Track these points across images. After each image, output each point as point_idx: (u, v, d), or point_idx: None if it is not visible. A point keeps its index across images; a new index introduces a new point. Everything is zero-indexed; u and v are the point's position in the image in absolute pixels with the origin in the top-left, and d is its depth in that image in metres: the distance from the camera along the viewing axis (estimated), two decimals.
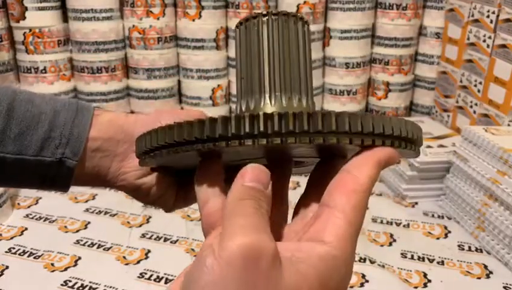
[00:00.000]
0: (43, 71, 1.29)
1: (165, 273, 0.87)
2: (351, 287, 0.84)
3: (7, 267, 0.88)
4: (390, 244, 0.96)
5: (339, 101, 1.43)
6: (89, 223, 1.02)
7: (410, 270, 0.88)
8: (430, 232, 1.00)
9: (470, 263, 0.90)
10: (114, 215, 1.05)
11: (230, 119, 0.27)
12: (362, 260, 0.90)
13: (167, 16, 1.31)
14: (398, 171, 1.12)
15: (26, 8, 1.23)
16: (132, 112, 1.40)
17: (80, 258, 0.91)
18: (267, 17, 0.35)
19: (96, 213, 1.06)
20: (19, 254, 0.92)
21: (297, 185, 1.06)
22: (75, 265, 0.89)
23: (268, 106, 0.33)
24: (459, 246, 0.96)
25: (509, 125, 1.08)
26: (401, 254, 0.93)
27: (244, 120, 0.27)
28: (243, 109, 0.34)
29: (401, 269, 0.88)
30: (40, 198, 1.11)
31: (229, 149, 0.28)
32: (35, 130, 0.42)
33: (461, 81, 1.27)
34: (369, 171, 0.28)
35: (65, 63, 1.32)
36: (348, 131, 0.27)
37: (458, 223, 1.03)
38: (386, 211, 1.08)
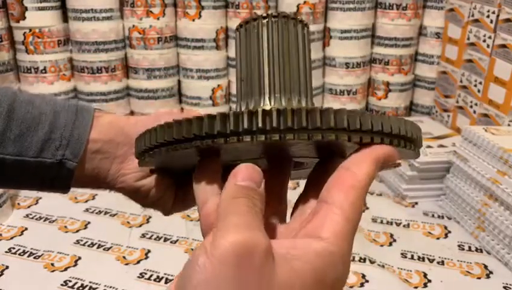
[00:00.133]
0: (43, 71, 1.29)
1: (165, 273, 0.87)
2: (351, 287, 0.84)
3: (7, 267, 0.88)
4: (390, 244, 0.96)
5: (339, 101, 1.43)
6: (89, 223, 1.02)
7: (410, 270, 0.88)
8: (430, 232, 1.00)
9: (470, 263, 0.90)
10: (114, 215, 1.05)
11: (229, 116, 0.27)
12: (362, 260, 0.90)
13: (167, 16, 1.31)
14: (398, 171, 1.12)
15: (26, 8, 1.23)
16: (132, 112, 1.40)
17: (80, 258, 0.91)
18: (267, 20, 0.36)
19: (96, 213, 1.06)
20: (19, 254, 0.92)
21: (297, 184, 1.06)
22: (75, 265, 0.89)
23: (268, 107, 0.33)
24: (459, 246, 0.96)
25: (509, 125, 1.08)
26: (401, 254, 0.93)
27: (242, 116, 0.27)
28: (243, 110, 0.34)
29: (401, 269, 0.88)
30: (40, 198, 1.11)
31: (227, 146, 0.28)
32: (36, 132, 0.42)
33: (461, 81, 1.27)
34: (368, 168, 0.28)
35: (65, 63, 1.32)
36: (346, 128, 0.27)
37: (458, 223, 1.03)
38: (386, 211, 1.08)
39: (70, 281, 0.84)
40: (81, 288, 0.83)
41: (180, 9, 1.32)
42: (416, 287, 0.84)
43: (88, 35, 1.28)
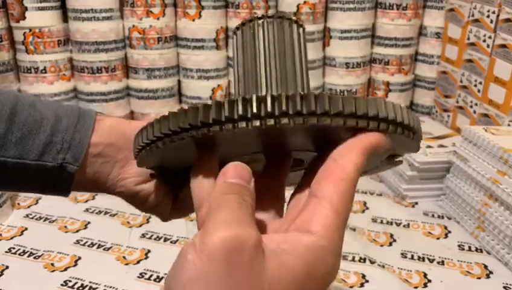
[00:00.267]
0: (43, 71, 1.29)
1: (165, 274, 0.87)
2: (351, 287, 0.84)
3: (7, 267, 0.88)
4: (390, 244, 0.96)
5: None
6: (89, 223, 1.03)
7: (410, 271, 0.88)
8: (430, 232, 1.00)
9: (470, 263, 0.90)
10: (114, 215, 1.05)
11: (224, 103, 0.27)
12: (362, 260, 0.90)
13: (167, 16, 1.31)
14: (398, 171, 1.12)
15: (26, 8, 1.23)
16: (132, 112, 1.40)
17: (80, 258, 0.91)
18: (262, 20, 0.36)
19: (96, 213, 1.06)
20: (19, 254, 0.92)
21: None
22: (75, 265, 0.89)
23: None
24: (459, 246, 0.96)
25: (509, 125, 1.08)
26: (401, 254, 0.93)
27: (237, 103, 0.27)
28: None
29: (401, 269, 0.88)
30: (40, 198, 1.11)
31: (224, 137, 0.28)
32: (37, 135, 0.42)
33: (461, 81, 1.27)
34: (356, 159, 0.28)
35: (65, 63, 1.32)
36: (341, 112, 0.27)
37: (458, 223, 1.03)
38: (386, 211, 1.08)
39: (70, 281, 0.84)
40: (81, 288, 0.83)
41: (180, 9, 1.32)
42: (416, 287, 0.84)
43: (88, 35, 1.28)
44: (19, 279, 0.86)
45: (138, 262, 0.90)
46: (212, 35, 1.33)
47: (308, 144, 0.32)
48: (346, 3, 1.33)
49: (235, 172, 0.28)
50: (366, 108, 0.27)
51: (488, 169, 0.93)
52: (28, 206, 1.08)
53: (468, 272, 0.88)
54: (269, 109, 0.27)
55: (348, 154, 0.28)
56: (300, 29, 0.37)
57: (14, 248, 0.93)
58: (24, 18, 1.24)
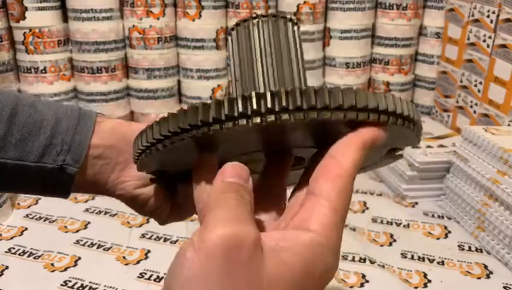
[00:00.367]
0: (43, 71, 1.29)
1: (165, 274, 0.86)
2: (351, 287, 0.84)
3: (7, 267, 0.88)
4: (391, 244, 0.96)
5: None
6: (89, 223, 1.03)
7: (410, 271, 0.88)
8: (430, 232, 1.00)
9: (470, 263, 0.90)
10: (114, 215, 1.05)
11: (223, 102, 0.27)
12: (362, 260, 0.90)
13: (167, 16, 1.31)
14: (398, 171, 1.12)
15: (26, 8, 1.23)
16: (132, 112, 1.40)
17: (79, 258, 0.91)
18: (256, 20, 0.36)
19: (96, 213, 1.06)
20: (19, 254, 0.92)
21: None
22: (75, 265, 0.89)
23: None
24: (459, 246, 0.96)
25: (509, 125, 1.08)
26: (401, 254, 0.93)
27: (237, 101, 0.27)
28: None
29: (401, 269, 0.88)
30: (40, 198, 1.11)
31: (224, 134, 0.28)
32: (37, 136, 0.42)
33: (461, 81, 1.27)
34: (354, 155, 0.28)
35: (65, 63, 1.32)
36: (341, 105, 0.27)
37: (458, 223, 1.03)
38: (386, 211, 1.08)
39: (70, 281, 0.84)
40: (81, 288, 0.83)
41: (180, 9, 1.32)
42: (416, 287, 0.84)
43: (88, 35, 1.28)
44: (19, 279, 0.86)
45: (138, 262, 0.90)
46: (212, 35, 1.33)
47: (309, 140, 0.32)
48: (346, 3, 1.33)
49: (233, 171, 0.28)
50: (366, 101, 0.27)
51: (488, 169, 0.93)
52: (28, 206, 1.08)
53: (468, 272, 0.88)
54: (269, 104, 0.26)
55: (345, 151, 0.28)
56: (295, 27, 0.37)
57: (14, 248, 0.93)
58: (24, 18, 1.24)
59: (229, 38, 0.37)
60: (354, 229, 0.98)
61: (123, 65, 1.36)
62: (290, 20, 0.37)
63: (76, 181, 0.44)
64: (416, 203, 1.11)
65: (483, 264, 0.90)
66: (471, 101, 1.23)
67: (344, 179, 0.27)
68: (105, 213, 1.06)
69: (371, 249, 0.94)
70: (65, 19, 1.31)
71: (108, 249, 0.94)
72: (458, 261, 0.91)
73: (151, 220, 1.05)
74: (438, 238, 0.98)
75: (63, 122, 0.43)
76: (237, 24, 0.37)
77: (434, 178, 1.10)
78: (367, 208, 1.08)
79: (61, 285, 0.83)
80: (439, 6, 1.36)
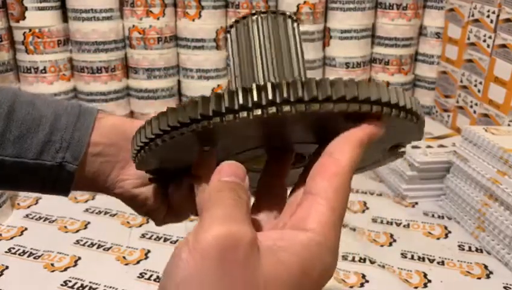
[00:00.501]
0: (43, 71, 1.29)
1: None
2: (351, 287, 0.84)
3: (7, 267, 0.88)
4: (391, 244, 0.96)
5: None
6: (88, 223, 1.02)
7: (411, 271, 0.88)
8: (430, 232, 1.00)
9: (470, 263, 0.90)
10: (114, 215, 1.05)
11: (223, 94, 0.26)
12: (362, 260, 0.90)
13: (167, 16, 1.31)
14: (398, 171, 1.12)
15: (26, 8, 1.23)
16: (132, 112, 1.40)
17: (79, 258, 0.91)
18: (256, 16, 0.36)
19: (96, 213, 1.06)
20: (19, 254, 0.91)
21: None
22: (75, 265, 0.89)
23: None
24: (459, 246, 0.96)
25: (509, 125, 1.08)
26: (401, 254, 0.93)
27: (237, 93, 0.26)
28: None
29: (401, 269, 0.88)
30: (40, 198, 1.11)
31: (224, 127, 0.27)
32: (36, 133, 0.42)
33: (461, 81, 1.27)
34: (351, 153, 0.27)
35: (65, 63, 1.32)
36: (343, 96, 0.26)
37: (458, 223, 1.02)
38: (386, 211, 1.07)
39: (70, 281, 0.84)
40: (81, 288, 0.83)
41: (180, 9, 1.32)
42: (416, 288, 0.84)
43: (88, 35, 1.28)
44: (19, 279, 0.85)
45: (138, 262, 0.90)
46: (212, 35, 1.32)
47: (309, 135, 0.32)
48: (346, 3, 1.33)
49: (230, 170, 0.27)
50: (369, 92, 0.27)
51: (488, 169, 0.93)
52: (28, 206, 1.08)
53: (468, 272, 0.88)
54: (270, 96, 0.26)
55: (342, 148, 0.28)
56: (295, 24, 0.36)
57: (14, 248, 0.93)
58: (24, 18, 1.24)
59: (228, 35, 0.37)
60: (354, 229, 0.98)
61: (123, 65, 1.36)
62: (290, 16, 0.36)
63: (76, 179, 0.43)
64: (416, 203, 1.11)
65: (484, 264, 0.90)
66: (471, 101, 1.23)
67: (341, 177, 0.27)
68: (105, 213, 1.06)
69: (371, 249, 0.93)
70: (65, 19, 1.30)
71: (108, 249, 0.94)
72: (458, 261, 0.91)
73: (151, 220, 1.06)
74: (438, 238, 0.98)
75: (62, 119, 0.42)
76: (236, 21, 0.36)
77: (434, 178, 1.10)
78: (367, 208, 1.08)
79: (61, 285, 0.83)
80: (439, 6, 1.36)
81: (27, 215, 1.04)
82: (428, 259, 0.91)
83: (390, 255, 0.92)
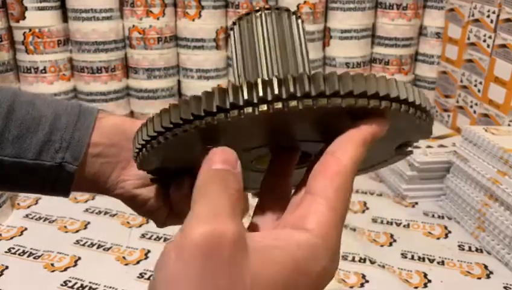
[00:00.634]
0: (43, 71, 1.29)
1: None
2: (351, 287, 0.84)
3: (7, 267, 0.88)
4: (391, 244, 0.96)
5: None
6: (88, 223, 1.02)
7: (411, 271, 0.88)
8: (430, 233, 1.00)
9: (470, 263, 0.90)
10: (114, 215, 1.05)
11: (227, 90, 0.25)
12: (362, 260, 0.90)
13: (167, 16, 1.31)
14: (398, 171, 1.12)
15: (26, 8, 1.23)
16: (132, 112, 1.40)
17: (79, 258, 0.91)
18: (260, 13, 0.35)
19: (96, 213, 1.06)
20: (19, 254, 0.91)
21: None
22: (75, 265, 0.89)
23: None
24: (459, 246, 0.96)
25: (509, 125, 1.08)
26: (402, 254, 0.93)
27: (242, 88, 0.25)
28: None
29: (402, 269, 0.88)
30: (40, 198, 1.11)
31: (229, 124, 0.26)
32: (35, 133, 0.41)
33: (461, 81, 1.27)
34: (353, 152, 0.27)
35: (65, 63, 1.32)
36: (351, 91, 0.25)
37: (458, 223, 1.02)
38: (386, 211, 1.07)
39: (70, 281, 0.84)
40: (80, 288, 0.83)
41: (180, 9, 1.32)
42: (416, 288, 0.84)
43: (88, 35, 1.28)
44: (19, 279, 0.85)
45: (138, 262, 0.90)
46: (212, 35, 1.32)
47: (314, 133, 0.31)
48: (346, 3, 1.33)
49: (220, 157, 0.26)
50: (377, 87, 0.26)
51: (488, 169, 0.93)
52: (28, 207, 1.08)
53: (468, 272, 0.88)
54: (276, 91, 0.25)
55: (344, 147, 0.27)
56: (299, 21, 0.36)
57: (13, 248, 0.93)
58: (24, 18, 1.24)
59: (231, 33, 0.36)
60: (354, 230, 0.98)
61: (123, 65, 1.36)
62: (294, 13, 0.36)
63: (76, 179, 0.43)
64: (416, 203, 1.11)
65: (484, 264, 0.90)
66: (471, 101, 1.23)
67: (343, 177, 0.26)
68: (105, 213, 1.06)
69: (371, 249, 0.93)
70: (65, 19, 1.30)
71: (108, 249, 0.94)
72: (458, 261, 0.91)
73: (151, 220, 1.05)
74: (438, 238, 0.98)
75: (62, 118, 0.42)
76: (239, 18, 0.36)
77: (434, 178, 1.10)
78: (367, 208, 1.08)
79: (61, 285, 0.83)
80: (439, 6, 1.36)
81: (27, 216, 1.04)
82: (429, 259, 0.91)
83: (391, 255, 0.92)
